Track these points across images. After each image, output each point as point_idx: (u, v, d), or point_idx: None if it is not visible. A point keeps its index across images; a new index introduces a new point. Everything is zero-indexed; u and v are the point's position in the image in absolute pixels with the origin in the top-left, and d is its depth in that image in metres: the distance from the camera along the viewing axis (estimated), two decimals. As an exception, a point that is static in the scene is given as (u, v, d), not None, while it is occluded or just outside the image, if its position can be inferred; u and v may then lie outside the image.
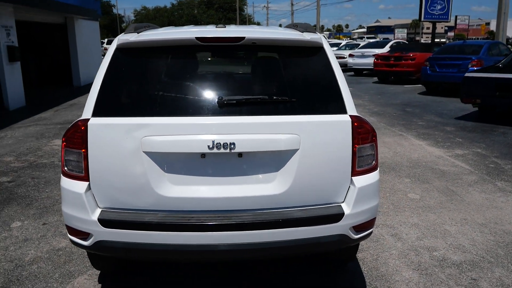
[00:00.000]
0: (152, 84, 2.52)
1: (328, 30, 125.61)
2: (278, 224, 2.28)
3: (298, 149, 2.33)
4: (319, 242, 2.35)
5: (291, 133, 2.31)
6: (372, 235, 3.77)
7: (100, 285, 3.05)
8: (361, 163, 2.44)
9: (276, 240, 2.30)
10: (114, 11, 79.95)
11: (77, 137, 2.33)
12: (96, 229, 2.31)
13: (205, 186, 2.34)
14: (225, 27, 2.86)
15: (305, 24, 2.87)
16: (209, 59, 2.57)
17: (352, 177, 2.42)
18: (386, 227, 3.92)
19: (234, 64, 2.52)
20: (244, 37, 2.43)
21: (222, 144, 2.24)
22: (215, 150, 2.24)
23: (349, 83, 2.74)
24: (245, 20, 77.29)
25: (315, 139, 2.35)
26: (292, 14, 68.28)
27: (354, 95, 12.82)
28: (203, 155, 2.31)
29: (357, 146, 2.40)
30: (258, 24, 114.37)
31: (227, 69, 2.53)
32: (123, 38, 2.52)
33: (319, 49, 2.58)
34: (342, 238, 2.40)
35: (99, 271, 3.18)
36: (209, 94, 2.42)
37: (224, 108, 2.34)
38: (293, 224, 2.29)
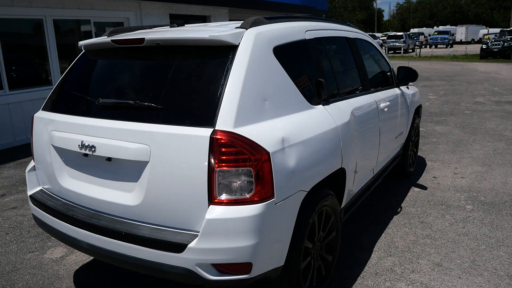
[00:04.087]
0: (71, 83, 2.69)
1: None
2: (121, 237, 2.14)
3: (148, 161, 2.10)
4: (162, 270, 2.06)
5: (141, 143, 2.11)
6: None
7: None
8: (224, 190, 1.98)
9: (121, 253, 2.16)
10: (375, 5, 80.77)
11: (31, 126, 2.77)
12: (30, 204, 2.71)
13: (86, 183, 2.42)
14: (178, 26, 2.73)
15: (256, 17, 2.46)
16: (123, 60, 2.51)
17: (210, 205, 1.99)
18: (419, 285, 2.91)
19: (141, 67, 2.40)
20: (144, 38, 2.31)
21: (86, 145, 2.28)
22: (82, 151, 2.31)
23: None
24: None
25: (166, 153, 2.05)
26: None
27: None
28: (85, 154, 2.37)
29: (217, 168, 1.96)
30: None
31: (133, 71, 2.43)
32: (83, 41, 2.79)
33: (227, 48, 2.18)
34: (189, 274, 2.01)
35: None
36: (96, 96, 2.44)
37: (101, 110, 2.36)
38: (135, 241, 2.10)
